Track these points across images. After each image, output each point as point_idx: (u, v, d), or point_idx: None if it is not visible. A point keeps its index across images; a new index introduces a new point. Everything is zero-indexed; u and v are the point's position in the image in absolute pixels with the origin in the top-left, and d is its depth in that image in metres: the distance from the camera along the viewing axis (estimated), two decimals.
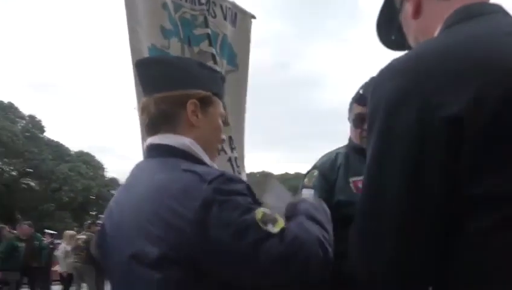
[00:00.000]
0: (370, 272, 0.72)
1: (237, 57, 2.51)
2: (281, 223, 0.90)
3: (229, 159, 2.39)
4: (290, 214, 1.02)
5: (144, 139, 1.99)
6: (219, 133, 1.15)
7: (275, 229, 0.87)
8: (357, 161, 1.81)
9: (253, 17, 2.61)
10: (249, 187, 0.94)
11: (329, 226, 1.00)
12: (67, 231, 10.55)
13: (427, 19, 0.83)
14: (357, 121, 1.84)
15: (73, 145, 53.23)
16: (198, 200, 0.86)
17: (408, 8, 0.87)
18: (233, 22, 2.53)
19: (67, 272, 9.43)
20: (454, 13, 0.78)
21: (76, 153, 35.90)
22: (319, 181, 1.84)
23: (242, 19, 2.56)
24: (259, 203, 0.94)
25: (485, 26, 0.72)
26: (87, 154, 36.26)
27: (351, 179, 1.79)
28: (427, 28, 0.83)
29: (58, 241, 10.96)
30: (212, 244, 0.85)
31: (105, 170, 37.38)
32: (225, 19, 2.47)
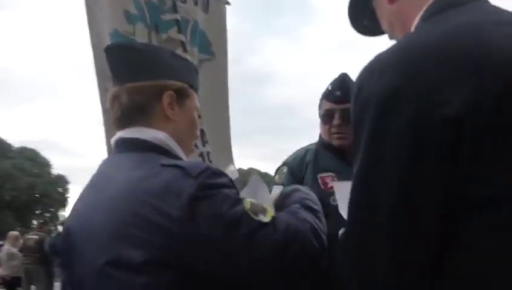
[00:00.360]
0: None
1: (212, 45, 2.29)
2: (271, 212, 0.88)
3: (201, 154, 2.17)
4: (282, 204, 1.01)
5: (108, 132, 1.78)
6: (195, 128, 1.11)
7: (265, 218, 0.85)
8: (325, 157, 1.85)
9: (227, 3, 2.40)
10: (232, 181, 0.91)
11: (322, 215, 0.99)
12: (11, 232, 9.97)
13: (403, 4, 0.81)
14: (326, 117, 1.84)
15: (16, 140, 50.28)
16: (184, 196, 0.81)
17: None
18: (206, 8, 2.30)
19: (10, 276, 8.89)
20: (437, 1, 0.76)
21: (18, 148, 33.87)
22: (288, 178, 1.85)
23: (215, 5, 2.34)
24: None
25: (472, 16, 0.71)
26: (32, 151, 34.35)
27: (319, 175, 1.80)
28: (403, 14, 0.81)
29: (0, 242, 10.44)
30: (204, 241, 0.81)
31: (51, 166, 35.54)
32: (196, 4, 2.24)
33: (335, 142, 1.83)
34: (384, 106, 0.65)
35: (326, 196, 1.69)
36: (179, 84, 1.03)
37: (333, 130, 1.82)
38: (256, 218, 0.84)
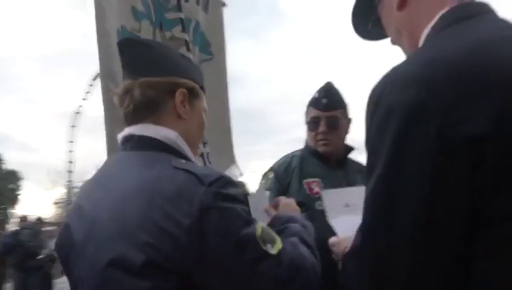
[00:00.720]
0: None
1: (211, 45, 2.33)
2: (279, 244, 0.87)
3: (201, 155, 2.22)
4: (277, 228, 1.00)
5: (110, 132, 1.79)
6: (202, 129, 1.09)
7: (273, 250, 0.84)
8: (311, 164, 1.91)
9: (224, 4, 2.45)
10: (244, 192, 0.90)
11: (316, 250, 1.00)
12: None
13: (413, 11, 0.81)
14: (312, 124, 1.91)
15: None
16: (196, 204, 0.78)
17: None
18: (206, 8, 2.34)
19: None
20: (451, 11, 0.76)
21: None
22: (274, 183, 1.91)
23: (214, 5, 2.39)
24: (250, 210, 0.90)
25: (488, 31, 0.71)
26: None
27: (305, 181, 1.86)
28: (412, 21, 0.81)
29: None
30: (211, 254, 0.79)
31: (2, 161, 33.82)
32: (198, 3, 2.28)
33: (320, 149, 1.90)
34: (408, 117, 0.65)
35: (311, 201, 1.79)
36: (191, 83, 1.03)
37: (319, 136, 1.89)
38: (264, 247, 0.83)
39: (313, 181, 1.85)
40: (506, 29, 0.72)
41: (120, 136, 1.01)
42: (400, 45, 0.89)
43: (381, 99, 0.69)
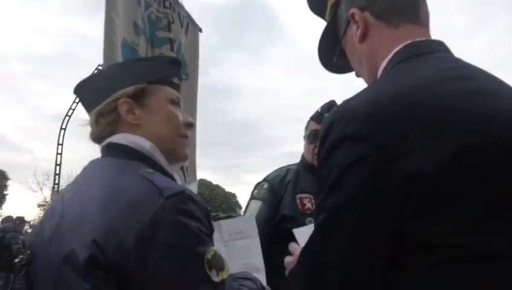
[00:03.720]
0: None
1: (187, 67, 2.49)
2: (225, 274, 0.86)
3: (182, 168, 2.34)
4: (238, 275, 1.05)
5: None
6: (173, 119, 1.04)
7: (216, 277, 0.83)
8: (305, 179, 1.91)
9: (200, 30, 2.64)
10: (206, 210, 0.89)
11: None
12: None
13: (373, 44, 0.84)
14: (312, 137, 1.92)
15: None
16: (150, 214, 0.79)
17: (354, 32, 0.87)
18: (186, 32, 2.51)
19: None
20: (404, 48, 0.80)
21: None
22: (268, 194, 1.90)
23: (192, 30, 2.56)
24: (211, 230, 0.90)
25: (433, 70, 0.74)
26: None
27: (298, 196, 1.88)
28: (372, 53, 0.85)
29: None
30: (154, 266, 0.78)
31: None
32: (182, 26, 2.44)
33: (317, 163, 1.99)
34: (347, 153, 0.66)
35: (302, 216, 1.82)
36: (131, 88, 1.01)
37: (317, 150, 1.96)
38: (208, 272, 0.82)
39: (306, 197, 1.87)
40: (447, 70, 0.74)
41: (101, 145, 1.04)
42: (362, 76, 0.92)
43: (329, 131, 0.71)
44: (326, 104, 1.96)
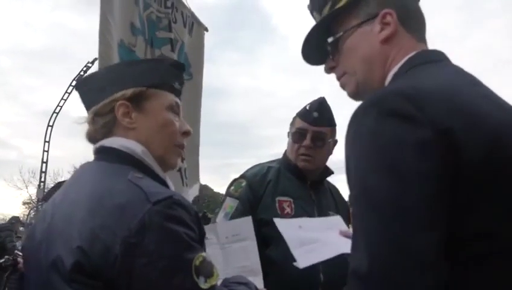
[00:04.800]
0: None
1: (191, 67, 2.47)
2: (214, 280, 0.84)
3: (179, 169, 2.31)
4: (232, 280, 1.04)
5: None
6: (166, 126, 1.02)
7: (204, 284, 0.81)
8: (287, 180, 1.78)
9: (206, 29, 2.61)
10: (196, 215, 0.87)
11: None
12: None
13: (394, 48, 0.86)
14: (297, 135, 1.78)
15: None
16: (137, 219, 0.78)
17: (376, 30, 0.87)
18: (190, 31, 2.48)
19: None
20: (417, 55, 0.83)
21: None
22: (246, 193, 1.74)
23: (197, 30, 2.53)
24: (202, 235, 0.88)
25: (454, 73, 0.80)
26: None
27: (277, 198, 1.75)
28: (390, 56, 0.86)
29: None
30: (140, 271, 0.77)
31: None
32: (185, 26, 2.42)
33: (300, 164, 1.77)
34: (409, 131, 0.65)
35: None
36: (130, 91, 1.00)
37: (301, 150, 1.76)
38: (195, 279, 0.80)
39: (286, 200, 1.75)
40: (461, 76, 0.79)
41: (94, 147, 1.04)
42: (356, 75, 0.91)
43: (369, 111, 0.70)
44: (315, 101, 1.82)
